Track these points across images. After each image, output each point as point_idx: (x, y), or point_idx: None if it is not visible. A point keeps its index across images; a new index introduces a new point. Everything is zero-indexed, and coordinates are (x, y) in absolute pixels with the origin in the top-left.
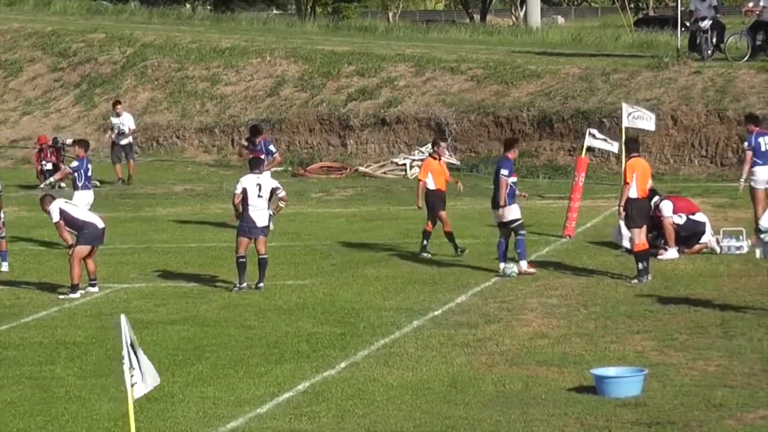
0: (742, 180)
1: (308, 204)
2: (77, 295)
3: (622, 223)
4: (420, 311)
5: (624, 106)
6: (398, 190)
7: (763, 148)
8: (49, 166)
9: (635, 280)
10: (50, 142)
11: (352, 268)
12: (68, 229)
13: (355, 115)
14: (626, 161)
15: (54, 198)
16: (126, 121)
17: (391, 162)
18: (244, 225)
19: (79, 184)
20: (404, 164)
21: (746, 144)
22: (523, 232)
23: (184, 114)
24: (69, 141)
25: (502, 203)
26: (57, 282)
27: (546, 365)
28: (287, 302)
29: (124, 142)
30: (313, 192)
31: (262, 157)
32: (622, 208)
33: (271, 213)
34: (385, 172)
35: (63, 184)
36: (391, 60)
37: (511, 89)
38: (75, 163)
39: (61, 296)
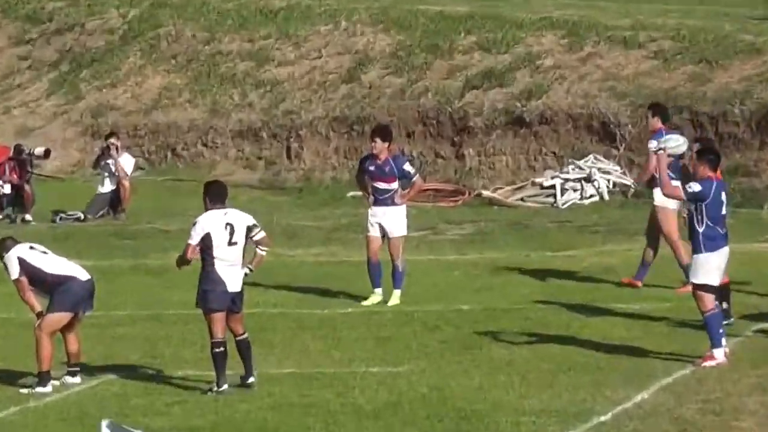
0: None
1: (405, 246)
2: (48, 388)
3: None
4: (578, 415)
5: None
6: (543, 226)
7: None
8: (7, 188)
9: None
10: (11, 153)
11: (472, 348)
12: (33, 288)
13: (477, 112)
14: None
15: (15, 243)
16: (124, 162)
17: (532, 183)
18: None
19: None
20: (552, 185)
21: None
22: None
23: (215, 109)
24: (39, 150)
25: None
26: (16, 369)
27: None
28: (371, 400)
29: (107, 189)
30: (412, 228)
31: (394, 184)
32: None
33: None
34: (522, 199)
35: (29, 217)
36: (532, 27)
37: (716, 72)
38: None
39: (24, 390)
